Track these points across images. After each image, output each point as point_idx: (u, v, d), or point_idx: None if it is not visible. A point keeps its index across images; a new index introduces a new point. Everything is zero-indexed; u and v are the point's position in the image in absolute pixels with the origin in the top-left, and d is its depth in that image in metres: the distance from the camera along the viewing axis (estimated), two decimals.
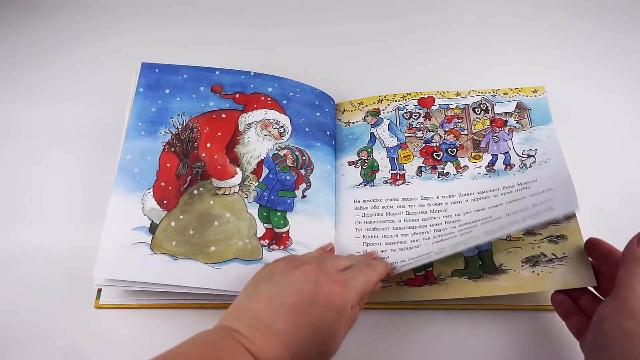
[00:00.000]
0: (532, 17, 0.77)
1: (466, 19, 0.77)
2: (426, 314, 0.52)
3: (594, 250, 0.46)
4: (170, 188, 0.53)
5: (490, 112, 0.60)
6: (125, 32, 0.76)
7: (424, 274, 0.51)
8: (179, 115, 0.57)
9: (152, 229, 0.51)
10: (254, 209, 0.53)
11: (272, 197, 0.54)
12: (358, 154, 0.59)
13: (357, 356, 0.50)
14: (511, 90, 0.61)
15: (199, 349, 0.37)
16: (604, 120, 0.65)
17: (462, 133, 0.59)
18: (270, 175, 0.55)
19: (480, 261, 0.51)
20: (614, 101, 0.67)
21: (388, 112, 0.62)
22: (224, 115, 0.58)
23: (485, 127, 0.59)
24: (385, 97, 0.63)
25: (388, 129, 0.61)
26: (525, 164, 0.55)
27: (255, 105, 0.59)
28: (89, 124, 0.65)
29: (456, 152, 0.58)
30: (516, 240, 0.51)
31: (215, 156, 0.55)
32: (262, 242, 0.52)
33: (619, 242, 0.44)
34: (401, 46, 0.75)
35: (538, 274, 0.48)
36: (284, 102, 0.60)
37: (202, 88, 0.59)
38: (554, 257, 0.48)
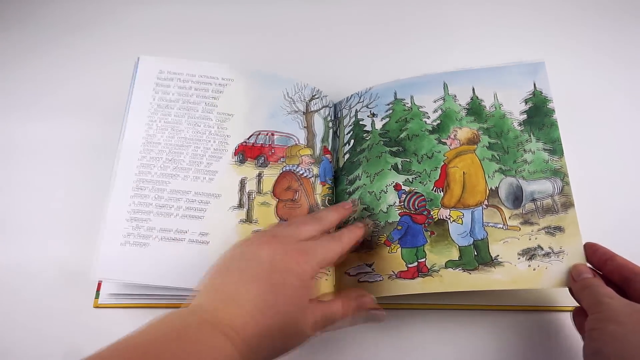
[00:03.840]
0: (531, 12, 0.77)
1: (464, 11, 0.77)
2: (424, 314, 0.54)
3: (593, 255, 0.48)
4: None
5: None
6: (120, 46, 0.77)
7: (417, 265, 0.52)
8: None
9: None
10: None
11: None
12: None
13: (356, 356, 0.52)
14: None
15: (158, 329, 0.38)
16: (605, 117, 0.65)
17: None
18: None
19: (475, 251, 0.51)
20: (614, 98, 0.67)
21: None
22: None
23: None
24: None
25: None
26: None
27: None
28: (83, 138, 0.68)
29: None
30: (513, 230, 0.51)
31: None
32: None
33: (618, 246, 0.47)
34: (398, 40, 0.76)
35: (534, 269, 0.49)
36: None
37: None
38: (550, 251, 0.50)
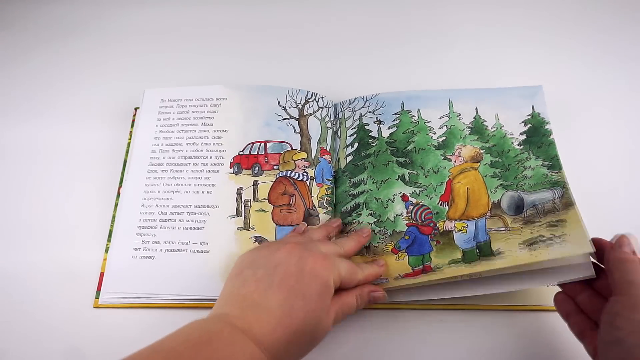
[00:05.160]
0: (532, 15, 0.80)
1: (465, 18, 0.80)
2: (425, 314, 0.54)
3: (598, 250, 0.47)
4: None
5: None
6: (127, 52, 0.78)
7: (422, 267, 0.53)
8: None
9: None
10: None
11: None
12: None
13: (354, 356, 0.52)
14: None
15: (188, 334, 0.39)
16: (604, 119, 0.67)
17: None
18: None
19: (477, 250, 0.53)
20: (613, 100, 0.69)
21: None
22: None
23: None
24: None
25: None
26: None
27: None
28: (83, 140, 0.69)
29: None
30: (515, 231, 0.53)
31: None
32: None
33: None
34: (399, 44, 0.78)
35: (535, 250, 0.50)
36: None
37: None
38: (552, 236, 0.51)
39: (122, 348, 0.49)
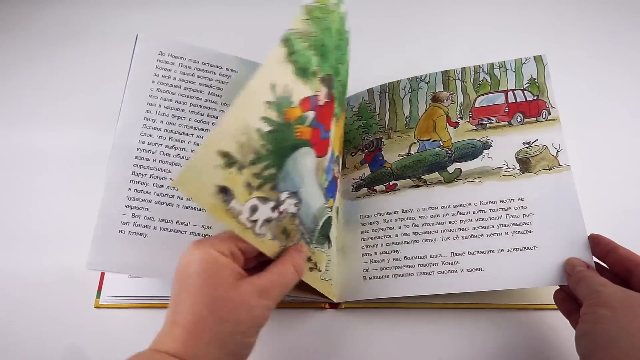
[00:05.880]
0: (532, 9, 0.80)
1: (465, 19, 0.80)
2: (424, 314, 0.55)
3: (596, 246, 0.49)
4: None
5: None
6: (119, 52, 0.70)
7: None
8: None
9: None
10: None
11: None
12: None
13: (354, 355, 0.53)
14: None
15: None
16: (605, 119, 0.68)
17: None
18: None
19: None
20: (616, 98, 0.70)
21: None
22: None
23: None
24: None
25: None
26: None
27: None
28: (83, 145, 0.69)
29: None
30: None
31: None
32: None
33: (621, 239, 0.48)
34: (398, 44, 0.78)
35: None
36: None
37: None
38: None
39: (122, 348, 0.49)
